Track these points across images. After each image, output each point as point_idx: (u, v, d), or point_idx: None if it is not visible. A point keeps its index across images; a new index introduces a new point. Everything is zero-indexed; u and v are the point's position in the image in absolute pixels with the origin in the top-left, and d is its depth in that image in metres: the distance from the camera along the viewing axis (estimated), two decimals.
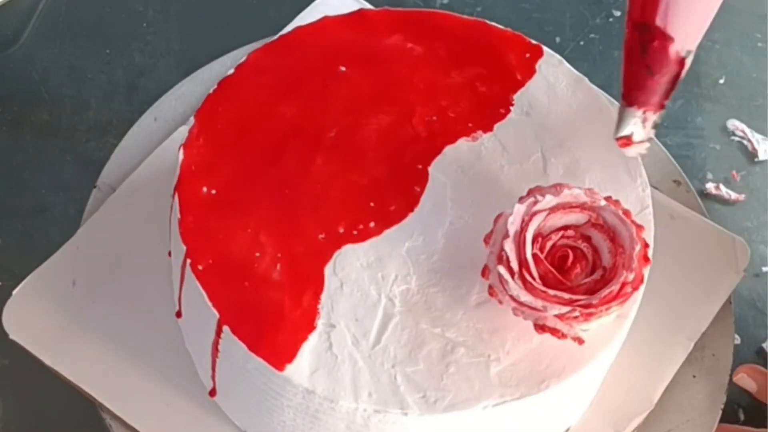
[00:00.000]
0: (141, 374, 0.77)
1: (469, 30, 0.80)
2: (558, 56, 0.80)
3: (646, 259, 0.68)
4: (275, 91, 0.76)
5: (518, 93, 0.78)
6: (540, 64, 0.79)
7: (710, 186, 0.89)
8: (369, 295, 0.70)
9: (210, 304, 0.68)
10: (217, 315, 0.68)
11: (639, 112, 0.69)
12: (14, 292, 0.77)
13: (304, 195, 0.72)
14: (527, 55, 0.80)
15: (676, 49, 0.67)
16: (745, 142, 0.93)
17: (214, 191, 0.72)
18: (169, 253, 0.77)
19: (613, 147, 0.76)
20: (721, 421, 0.78)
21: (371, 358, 0.68)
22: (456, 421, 0.67)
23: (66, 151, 0.90)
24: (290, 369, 0.67)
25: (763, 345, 0.81)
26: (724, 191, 0.90)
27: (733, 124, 0.93)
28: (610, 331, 0.70)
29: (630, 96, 0.69)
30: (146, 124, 0.87)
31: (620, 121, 0.70)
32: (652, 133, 0.71)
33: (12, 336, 0.77)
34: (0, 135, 0.90)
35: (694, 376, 0.81)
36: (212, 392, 0.75)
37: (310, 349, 0.68)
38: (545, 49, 0.80)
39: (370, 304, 0.69)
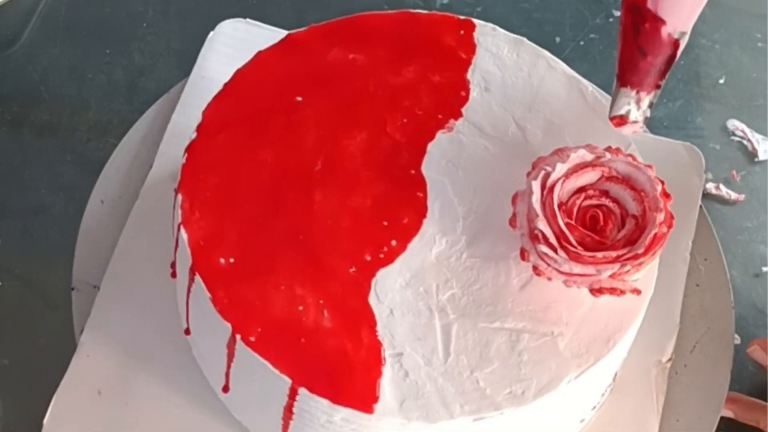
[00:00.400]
0: None
1: (398, 24, 0.80)
2: (490, 24, 0.80)
3: (666, 195, 0.70)
4: (245, 142, 0.74)
5: (469, 71, 0.79)
6: (477, 37, 0.80)
7: (710, 186, 0.90)
8: (421, 312, 0.69)
9: (277, 372, 0.67)
10: (289, 381, 0.66)
11: (632, 93, 0.71)
12: (44, 422, 0.74)
13: (318, 234, 0.71)
14: (461, 32, 0.80)
15: (668, 31, 0.68)
16: (745, 142, 0.94)
17: (232, 260, 0.70)
18: (186, 331, 0.75)
19: (574, 97, 0.78)
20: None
21: (448, 372, 0.68)
22: (546, 403, 0.68)
23: (66, 151, 0.87)
24: (379, 408, 0.66)
25: None
26: (724, 191, 0.90)
27: (733, 124, 0.94)
28: (649, 271, 0.71)
29: (624, 77, 0.71)
30: (96, 208, 0.83)
31: (614, 100, 0.72)
32: (648, 113, 0.72)
33: None
34: (0, 135, 0.88)
35: (697, 285, 0.84)
36: None
37: (388, 382, 0.67)
38: (476, 21, 0.80)
39: (425, 321, 0.69)
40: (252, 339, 0.68)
